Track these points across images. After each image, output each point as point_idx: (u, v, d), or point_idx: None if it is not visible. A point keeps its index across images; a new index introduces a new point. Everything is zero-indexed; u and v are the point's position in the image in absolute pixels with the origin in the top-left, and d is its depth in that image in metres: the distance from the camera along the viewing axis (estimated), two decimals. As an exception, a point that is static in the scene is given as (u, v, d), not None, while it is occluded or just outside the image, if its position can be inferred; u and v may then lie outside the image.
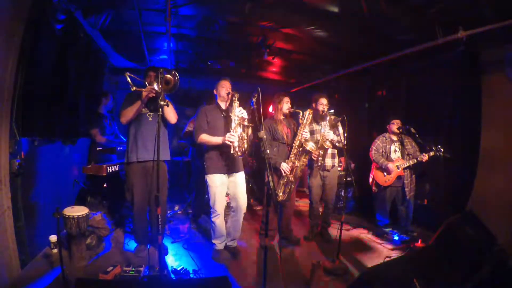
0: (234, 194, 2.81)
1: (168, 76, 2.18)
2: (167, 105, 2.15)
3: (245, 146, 2.57)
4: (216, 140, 2.59)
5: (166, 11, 2.85)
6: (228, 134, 2.49)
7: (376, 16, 2.81)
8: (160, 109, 2.01)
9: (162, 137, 2.66)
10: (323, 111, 3.16)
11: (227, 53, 4.36)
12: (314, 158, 3.13)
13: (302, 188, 5.74)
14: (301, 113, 3.03)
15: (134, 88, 2.30)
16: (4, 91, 2.08)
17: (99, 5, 2.96)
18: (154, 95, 2.49)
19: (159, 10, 2.98)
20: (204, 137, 2.65)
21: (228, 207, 3.03)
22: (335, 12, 2.87)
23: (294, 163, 2.96)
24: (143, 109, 2.66)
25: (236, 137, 2.49)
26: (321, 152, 3.13)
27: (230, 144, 2.49)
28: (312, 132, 3.23)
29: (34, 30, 2.28)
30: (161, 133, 2.60)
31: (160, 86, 2.21)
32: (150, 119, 2.68)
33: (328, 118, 3.15)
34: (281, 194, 2.99)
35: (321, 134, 3.15)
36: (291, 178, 2.97)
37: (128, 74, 2.24)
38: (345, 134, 2.93)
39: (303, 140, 2.95)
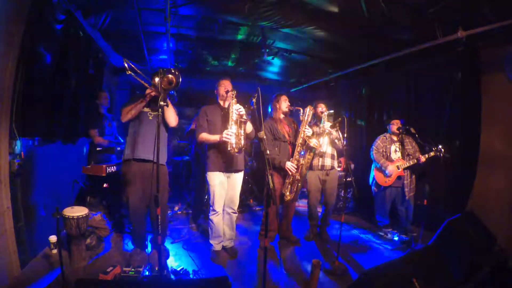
0: (227, 193, 2.82)
1: (170, 76, 2.19)
2: (167, 105, 2.13)
3: (242, 143, 2.58)
4: (214, 138, 2.62)
5: (166, 11, 2.85)
6: (225, 132, 2.50)
7: (376, 16, 2.80)
8: (160, 109, 2.00)
9: (161, 139, 2.65)
10: (322, 112, 3.22)
11: (227, 53, 4.36)
12: (315, 146, 3.01)
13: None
14: (301, 110, 3.05)
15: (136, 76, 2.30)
16: (4, 91, 2.08)
17: (99, 5, 2.96)
18: (156, 94, 2.46)
19: (159, 10, 2.98)
20: (204, 136, 2.68)
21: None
22: (335, 12, 2.87)
23: (299, 161, 2.95)
24: (145, 108, 2.63)
25: (232, 134, 2.50)
26: (322, 139, 3.14)
27: (227, 141, 2.50)
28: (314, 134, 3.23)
29: (34, 30, 2.27)
30: (161, 136, 2.58)
31: (161, 85, 2.20)
32: (151, 118, 2.65)
33: (326, 118, 3.17)
34: (288, 193, 2.98)
35: (323, 128, 3.17)
36: (297, 177, 2.96)
37: (126, 60, 2.19)
38: (345, 135, 2.93)
39: (306, 137, 2.95)
